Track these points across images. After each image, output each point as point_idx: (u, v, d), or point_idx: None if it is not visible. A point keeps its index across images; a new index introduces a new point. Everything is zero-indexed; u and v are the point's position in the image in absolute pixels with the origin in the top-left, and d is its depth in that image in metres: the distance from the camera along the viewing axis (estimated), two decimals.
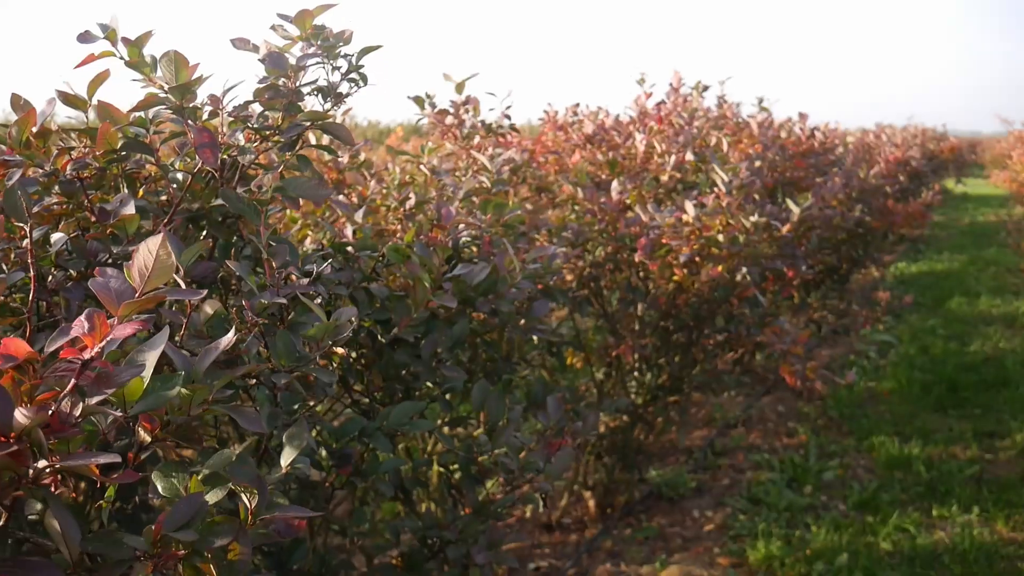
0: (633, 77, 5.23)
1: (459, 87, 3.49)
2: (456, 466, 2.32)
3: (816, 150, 4.86)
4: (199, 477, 1.00)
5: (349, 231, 2.34)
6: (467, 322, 2.14)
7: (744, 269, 3.34)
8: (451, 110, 3.48)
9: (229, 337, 1.13)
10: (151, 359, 0.90)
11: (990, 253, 12.21)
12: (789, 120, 5.15)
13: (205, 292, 1.03)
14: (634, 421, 4.01)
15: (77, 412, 0.89)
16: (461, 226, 2.40)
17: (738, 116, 4.93)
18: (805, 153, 4.70)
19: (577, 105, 5.28)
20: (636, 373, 4.03)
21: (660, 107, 4.24)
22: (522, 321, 2.39)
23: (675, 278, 3.28)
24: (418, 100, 3.45)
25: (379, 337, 2.03)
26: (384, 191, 2.90)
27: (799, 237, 4.14)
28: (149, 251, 0.86)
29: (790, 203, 3.46)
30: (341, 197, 2.74)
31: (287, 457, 1.34)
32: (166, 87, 1.39)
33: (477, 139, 3.42)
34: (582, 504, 4.49)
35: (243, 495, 1.05)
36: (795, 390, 6.51)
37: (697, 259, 3.24)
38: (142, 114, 1.49)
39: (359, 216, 2.45)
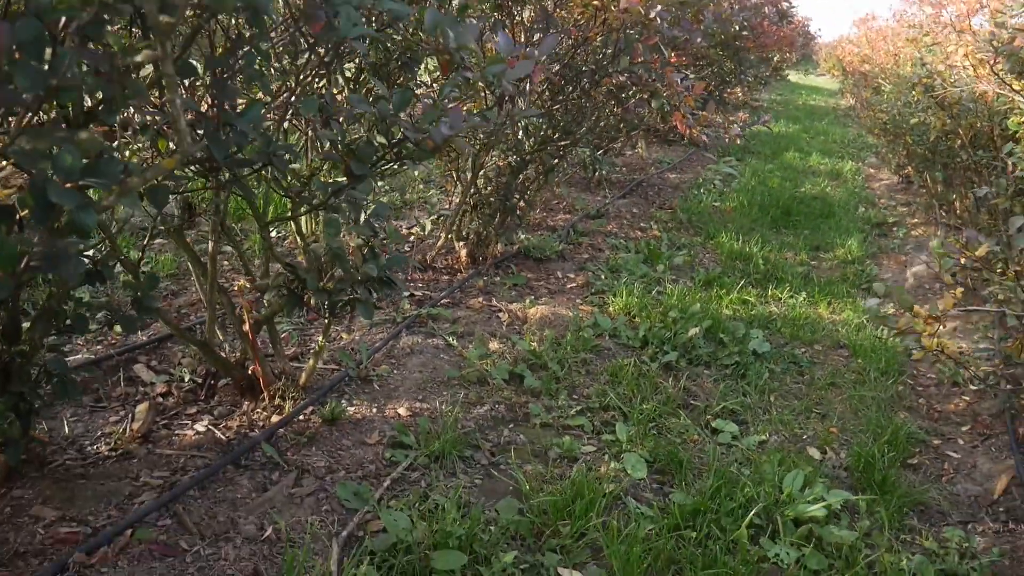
0: None
1: None
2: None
3: None
4: None
5: None
6: None
7: (658, 7, 3.42)
8: None
9: None
10: None
11: (821, 125, 13.12)
12: None
13: None
14: (522, 166, 4.10)
15: None
16: None
17: None
18: None
19: None
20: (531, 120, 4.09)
21: None
22: None
23: (594, 2, 3.31)
24: None
25: None
26: None
27: (696, 14, 4.26)
28: None
29: None
30: None
31: None
32: None
33: None
34: (454, 255, 4.60)
35: None
36: (648, 198, 6.88)
37: None
38: None
39: None
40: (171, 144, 1.95)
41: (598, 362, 3.65)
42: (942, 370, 3.88)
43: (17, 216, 1.31)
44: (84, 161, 1.21)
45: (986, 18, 7.38)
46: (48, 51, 1.08)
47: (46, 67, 1.06)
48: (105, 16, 1.12)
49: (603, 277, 4.66)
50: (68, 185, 1.16)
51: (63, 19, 1.11)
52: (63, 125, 1.34)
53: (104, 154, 1.20)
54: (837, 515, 2.63)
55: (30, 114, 1.16)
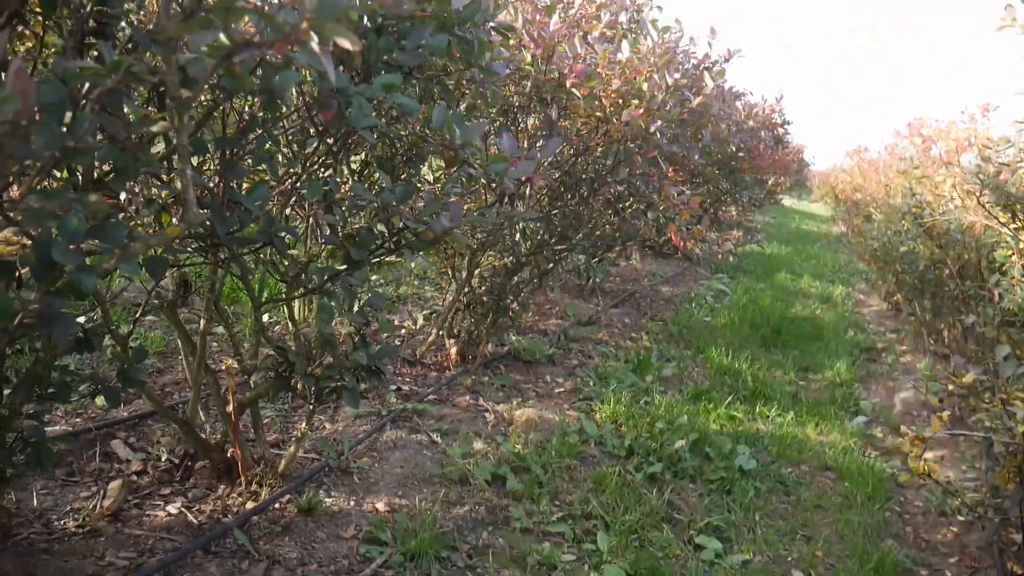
0: None
1: None
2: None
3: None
4: None
5: None
6: (445, 37, 2.18)
7: (659, 123, 3.53)
8: None
9: None
10: None
11: (814, 249, 13.36)
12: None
13: None
14: (517, 267, 4.15)
15: None
16: None
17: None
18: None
19: None
20: (528, 222, 4.16)
21: None
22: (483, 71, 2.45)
23: (597, 114, 3.43)
24: None
25: (365, 20, 2.03)
26: None
27: (695, 133, 4.40)
28: None
29: (706, 75, 3.70)
30: None
31: None
32: None
33: None
34: (444, 352, 4.60)
35: None
36: (640, 308, 6.93)
37: (621, 100, 3.40)
38: None
39: None
40: (174, 220, 1.98)
41: (582, 469, 3.59)
42: (929, 498, 3.84)
43: (16, 273, 1.32)
44: (89, 224, 1.23)
45: (974, 155, 7.64)
46: (68, 115, 1.12)
47: (64, 129, 1.09)
48: (129, 85, 1.16)
49: (592, 384, 4.64)
50: (71, 247, 1.17)
51: (86, 85, 1.15)
52: (72, 190, 1.36)
53: (110, 217, 1.22)
54: None
55: (42, 175, 1.18)
